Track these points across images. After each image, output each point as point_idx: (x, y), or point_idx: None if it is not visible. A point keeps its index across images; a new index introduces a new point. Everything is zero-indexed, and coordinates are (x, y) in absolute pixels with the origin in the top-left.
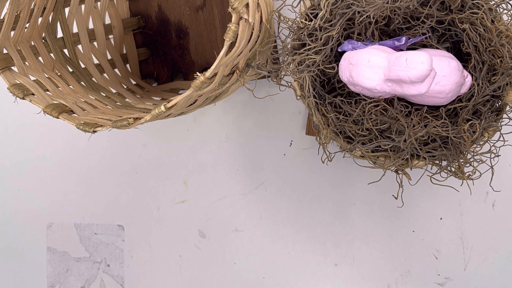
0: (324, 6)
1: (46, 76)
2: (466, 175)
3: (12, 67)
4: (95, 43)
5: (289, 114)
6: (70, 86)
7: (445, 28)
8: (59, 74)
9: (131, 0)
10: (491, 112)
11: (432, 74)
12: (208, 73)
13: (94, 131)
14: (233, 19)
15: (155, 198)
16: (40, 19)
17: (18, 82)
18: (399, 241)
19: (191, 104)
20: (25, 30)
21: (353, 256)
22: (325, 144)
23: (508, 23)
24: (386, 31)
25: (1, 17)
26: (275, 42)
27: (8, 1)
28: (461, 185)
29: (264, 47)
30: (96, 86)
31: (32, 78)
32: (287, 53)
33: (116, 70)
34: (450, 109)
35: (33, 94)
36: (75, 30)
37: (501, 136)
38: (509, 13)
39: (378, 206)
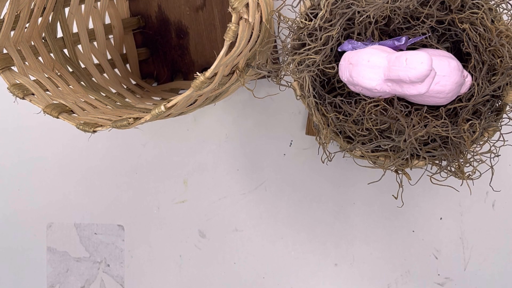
0: (324, 6)
1: (46, 76)
2: (466, 175)
3: (12, 67)
4: (95, 43)
5: (289, 114)
6: (70, 86)
7: (445, 28)
8: (59, 74)
9: (131, 0)
10: (491, 112)
11: (432, 74)
12: (208, 73)
13: (94, 131)
14: (233, 19)
15: (155, 198)
16: (40, 19)
17: (18, 82)
18: (399, 241)
19: (191, 104)
20: (25, 30)
21: (353, 256)
22: (325, 144)
23: (508, 23)
24: (386, 31)
25: (1, 17)
26: (275, 42)
27: (8, 1)
28: (461, 185)
29: (264, 47)
30: (96, 86)
31: (32, 78)
32: (287, 53)
33: (116, 70)
34: (450, 109)
35: (33, 94)
36: (75, 30)
37: (501, 136)
38: (509, 13)
39: (378, 206)
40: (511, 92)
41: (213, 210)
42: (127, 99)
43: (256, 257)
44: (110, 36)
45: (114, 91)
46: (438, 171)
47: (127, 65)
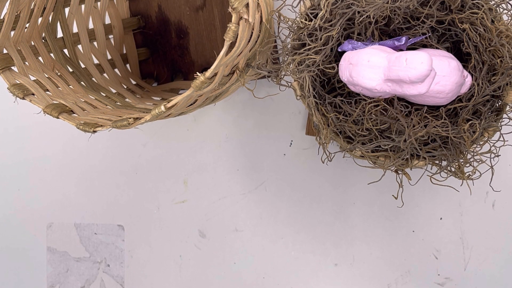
0: (324, 6)
1: (46, 76)
2: (466, 175)
3: (12, 67)
4: (95, 43)
5: (289, 114)
6: (70, 86)
7: (445, 28)
8: (59, 74)
9: (131, 0)
10: (491, 112)
11: (432, 74)
12: (208, 73)
13: (94, 131)
14: (233, 19)
15: (155, 198)
16: (40, 19)
17: (18, 82)
18: (399, 241)
19: (191, 104)
20: (25, 30)
21: (353, 256)
22: (325, 144)
23: (508, 23)
24: (386, 31)
25: (1, 17)
26: (275, 42)
27: (8, 1)
28: (461, 185)
29: (264, 47)
30: (96, 86)
31: (32, 78)
32: (287, 53)
33: (116, 70)
34: (450, 109)
35: (33, 94)
36: (75, 30)
37: (501, 136)
38: (509, 13)
39: (378, 206)
40: (511, 92)
41: (213, 210)
42: (127, 99)
43: (256, 257)
44: (110, 36)
45: (114, 91)
46: (438, 171)
47: (127, 65)
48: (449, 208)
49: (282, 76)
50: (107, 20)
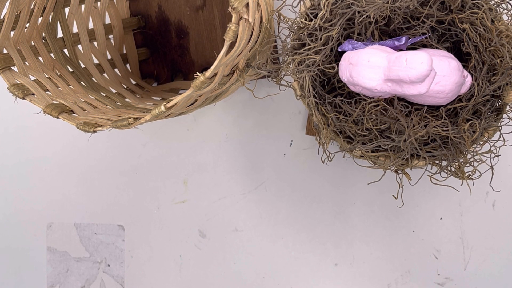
0: (324, 6)
1: (46, 76)
2: (466, 175)
3: (12, 67)
4: (95, 43)
5: (289, 114)
6: (70, 86)
7: (445, 28)
8: (59, 74)
9: (131, 0)
10: (491, 112)
11: (432, 74)
12: (208, 73)
13: (94, 131)
14: (233, 19)
15: (155, 198)
16: (40, 19)
17: (18, 82)
18: (399, 241)
19: (191, 104)
20: (25, 30)
21: (353, 256)
22: (325, 144)
23: (508, 23)
24: (386, 31)
25: (1, 17)
26: (275, 42)
27: (8, 1)
28: (461, 185)
29: (264, 47)
30: (96, 86)
31: (32, 78)
32: (287, 53)
33: (116, 70)
34: (450, 109)
35: (33, 94)
36: (75, 30)
37: (501, 136)
38: (509, 13)
39: (378, 206)
40: (511, 92)
41: (213, 210)
42: (127, 99)
43: (256, 257)
44: (110, 36)
45: (114, 91)
46: (438, 171)
47: (127, 65)
48: (449, 208)
49: (282, 76)
50: (107, 20)
